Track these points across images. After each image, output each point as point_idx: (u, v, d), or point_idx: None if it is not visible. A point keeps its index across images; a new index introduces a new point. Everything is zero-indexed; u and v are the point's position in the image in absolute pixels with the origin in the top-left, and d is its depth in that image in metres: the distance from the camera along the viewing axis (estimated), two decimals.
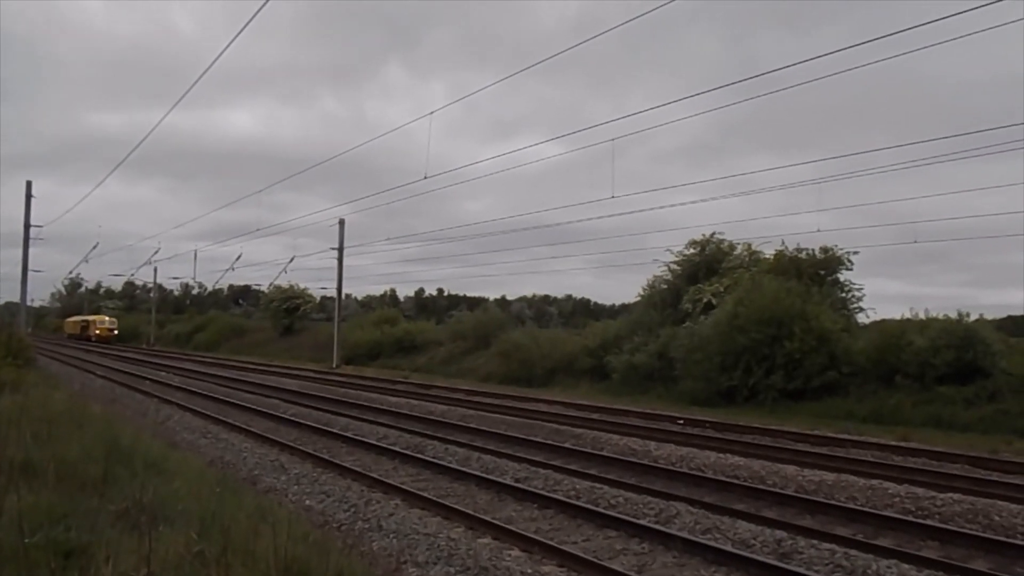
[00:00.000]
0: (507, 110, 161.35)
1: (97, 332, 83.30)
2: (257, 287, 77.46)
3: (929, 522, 10.28)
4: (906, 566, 8.05)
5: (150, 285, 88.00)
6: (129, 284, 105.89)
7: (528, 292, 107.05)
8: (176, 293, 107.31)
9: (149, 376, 34.55)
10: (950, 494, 11.62)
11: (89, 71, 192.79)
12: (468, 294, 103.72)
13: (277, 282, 62.75)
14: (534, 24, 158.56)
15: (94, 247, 53.38)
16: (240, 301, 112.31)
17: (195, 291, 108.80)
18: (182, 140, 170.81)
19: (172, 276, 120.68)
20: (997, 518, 10.49)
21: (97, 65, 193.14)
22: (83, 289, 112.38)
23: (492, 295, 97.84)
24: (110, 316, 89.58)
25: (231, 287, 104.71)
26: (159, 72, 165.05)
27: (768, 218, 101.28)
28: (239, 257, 52.80)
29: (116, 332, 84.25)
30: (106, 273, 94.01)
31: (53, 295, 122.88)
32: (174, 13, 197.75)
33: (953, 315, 24.64)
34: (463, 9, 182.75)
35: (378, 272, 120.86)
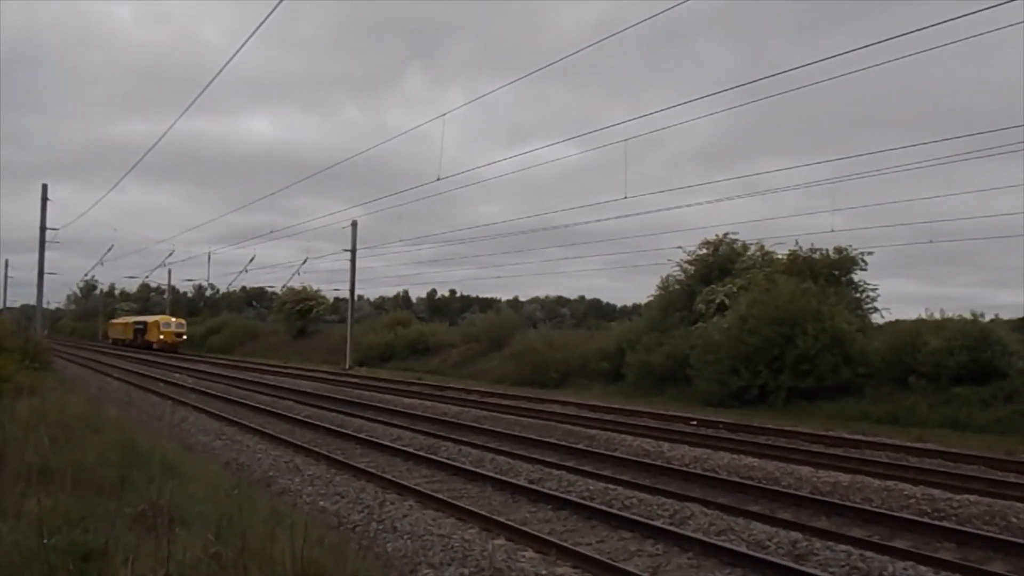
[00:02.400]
0: (524, 117, 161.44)
1: (161, 337, 67.29)
2: (271, 289, 77.25)
3: (946, 524, 10.22)
4: (923, 568, 8.01)
5: (164, 287, 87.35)
6: (144, 286, 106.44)
7: (541, 293, 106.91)
8: (189, 295, 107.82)
9: (164, 378, 34.76)
10: (967, 496, 11.55)
11: (116, 81, 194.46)
12: (481, 296, 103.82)
13: (290, 284, 62.75)
14: (553, 35, 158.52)
15: (109, 250, 53.03)
16: (254, 303, 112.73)
17: (208, 293, 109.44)
18: (204, 147, 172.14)
19: (186, 278, 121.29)
20: (1015, 520, 10.41)
21: (125, 76, 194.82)
22: (98, 291, 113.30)
23: (505, 296, 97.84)
24: (176, 319, 73.00)
25: (244, 289, 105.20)
26: (186, 83, 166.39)
27: (783, 218, 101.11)
28: (252, 259, 52.61)
29: (185, 337, 69.90)
30: (121, 276, 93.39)
31: (69, 297, 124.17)
32: (203, 25, 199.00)
33: (968, 315, 24.50)
34: (483, 20, 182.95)
35: (391, 274, 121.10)
